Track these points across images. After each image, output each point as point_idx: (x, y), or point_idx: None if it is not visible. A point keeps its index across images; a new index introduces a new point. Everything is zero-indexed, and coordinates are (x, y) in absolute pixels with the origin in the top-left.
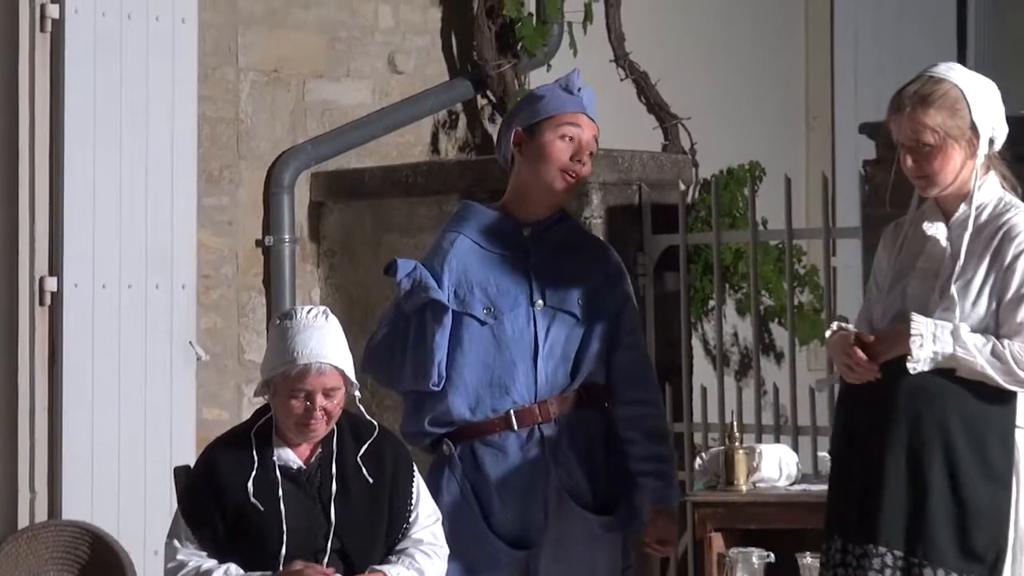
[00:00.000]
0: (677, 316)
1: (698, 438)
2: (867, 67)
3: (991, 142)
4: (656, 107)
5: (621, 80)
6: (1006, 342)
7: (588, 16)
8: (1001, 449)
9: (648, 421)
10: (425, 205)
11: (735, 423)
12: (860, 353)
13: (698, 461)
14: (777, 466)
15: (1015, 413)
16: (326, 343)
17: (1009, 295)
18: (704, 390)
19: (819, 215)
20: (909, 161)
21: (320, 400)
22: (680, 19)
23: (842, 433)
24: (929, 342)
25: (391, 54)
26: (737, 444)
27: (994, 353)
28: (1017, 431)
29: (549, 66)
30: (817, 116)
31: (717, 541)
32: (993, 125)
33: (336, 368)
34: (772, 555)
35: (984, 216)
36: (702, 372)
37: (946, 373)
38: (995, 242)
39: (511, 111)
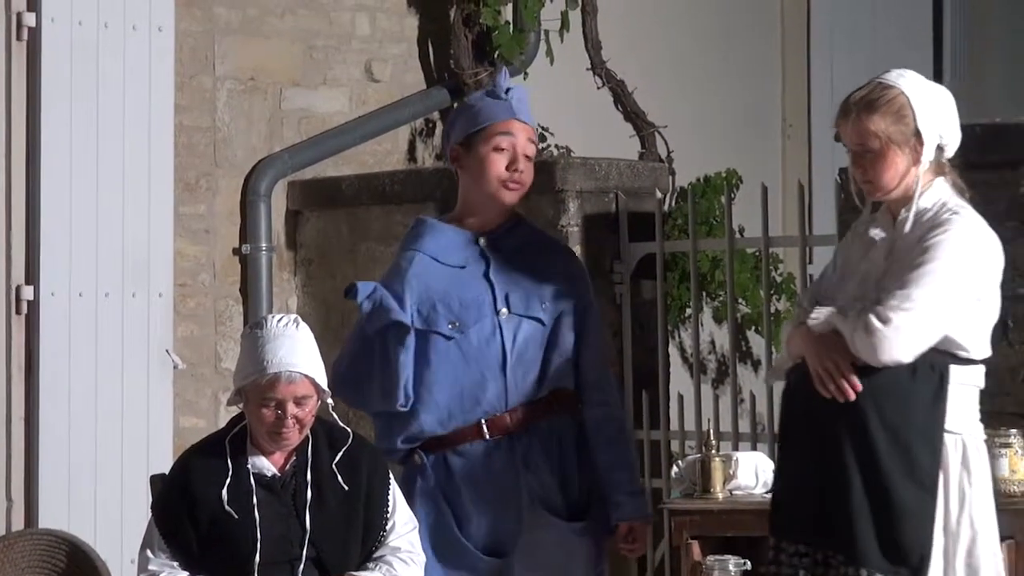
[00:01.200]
0: (654, 324)
1: (675, 446)
2: (843, 76)
3: (941, 149)
4: (633, 115)
5: (598, 88)
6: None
7: (565, 24)
8: (928, 453)
9: (611, 424)
10: (402, 213)
11: (712, 431)
12: (855, 381)
13: (674, 469)
14: (754, 474)
15: (943, 417)
16: (296, 351)
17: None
18: (681, 398)
19: (796, 223)
20: (855, 166)
21: (291, 408)
22: (657, 28)
23: (780, 431)
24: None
25: (368, 62)
26: (714, 452)
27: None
28: (947, 435)
29: (526, 74)
30: (793, 124)
31: (694, 549)
32: (941, 133)
33: (306, 376)
34: (749, 563)
35: (924, 220)
36: (679, 380)
37: (875, 375)
38: (924, 236)
39: (447, 124)
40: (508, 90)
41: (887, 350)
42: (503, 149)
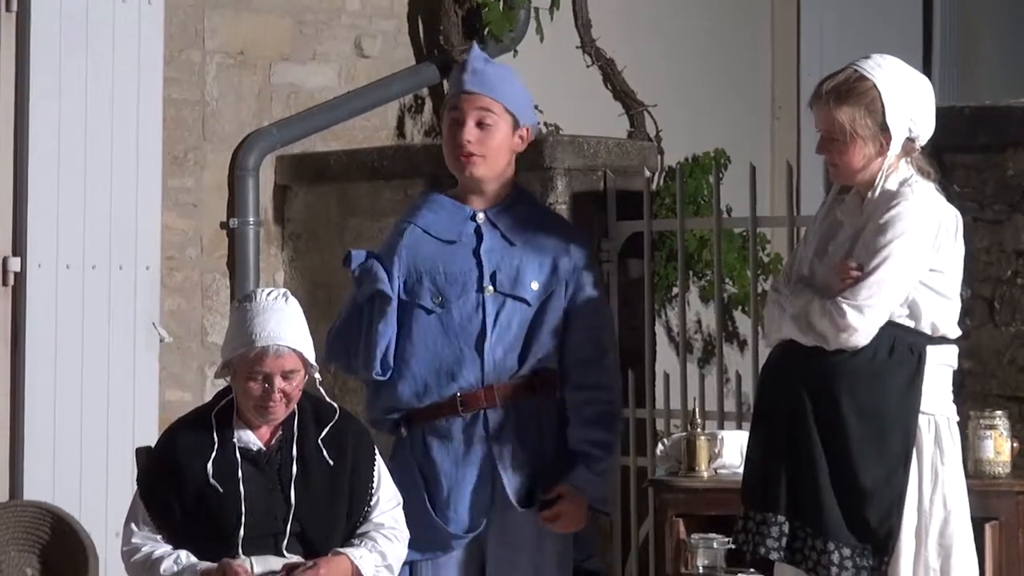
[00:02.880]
0: (641, 303)
1: (660, 424)
2: (832, 56)
3: (912, 139)
4: (622, 94)
5: (587, 66)
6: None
7: (555, 2)
8: (900, 434)
9: (592, 407)
10: (390, 189)
11: (697, 409)
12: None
13: (660, 447)
14: (739, 453)
15: (919, 399)
16: (285, 326)
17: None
18: (667, 376)
19: (783, 203)
20: (821, 149)
21: (278, 382)
22: (647, 6)
23: (756, 404)
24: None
25: (357, 38)
26: (699, 430)
27: (808, 312)
28: (921, 416)
29: (516, 52)
30: (782, 105)
31: (678, 527)
32: (911, 126)
33: (294, 351)
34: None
35: (886, 199)
36: (665, 359)
37: (851, 356)
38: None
39: None
40: (464, 63)
41: (849, 342)
42: (454, 122)
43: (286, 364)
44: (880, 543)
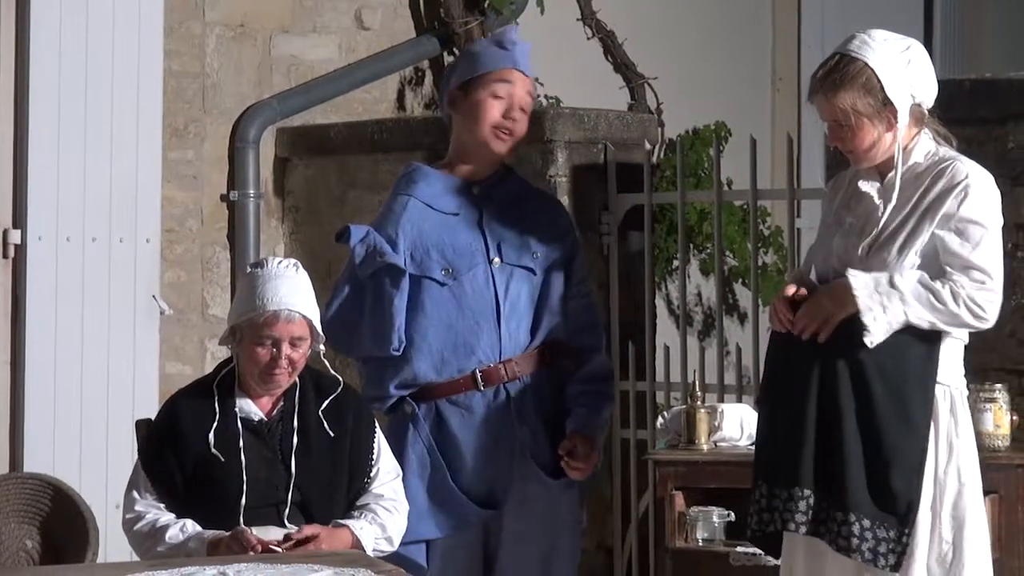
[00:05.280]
0: (641, 275)
1: (660, 397)
2: (833, 28)
3: (918, 104)
4: (623, 66)
5: (588, 39)
6: (950, 283)
7: None
8: (920, 401)
9: (588, 366)
10: (390, 162)
11: (697, 382)
12: (786, 311)
13: (660, 420)
14: (739, 425)
15: (936, 367)
16: (296, 292)
17: (960, 240)
18: (667, 349)
19: (784, 176)
20: (833, 138)
21: (286, 349)
22: None
23: (768, 380)
24: (881, 314)
25: (358, 10)
26: (699, 403)
27: (939, 299)
28: (937, 387)
29: (516, 24)
30: (783, 78)
31: (678, 500)
32: (913, 92)
33: (305, 317)
34: (732, 514)
35: (918, 173)
36: (665, 331)
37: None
38: (932, 194)
39: (448, 68)
40: (513, 40)
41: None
42: (500, 97)
43: (295, 330)
44: (902, 515)
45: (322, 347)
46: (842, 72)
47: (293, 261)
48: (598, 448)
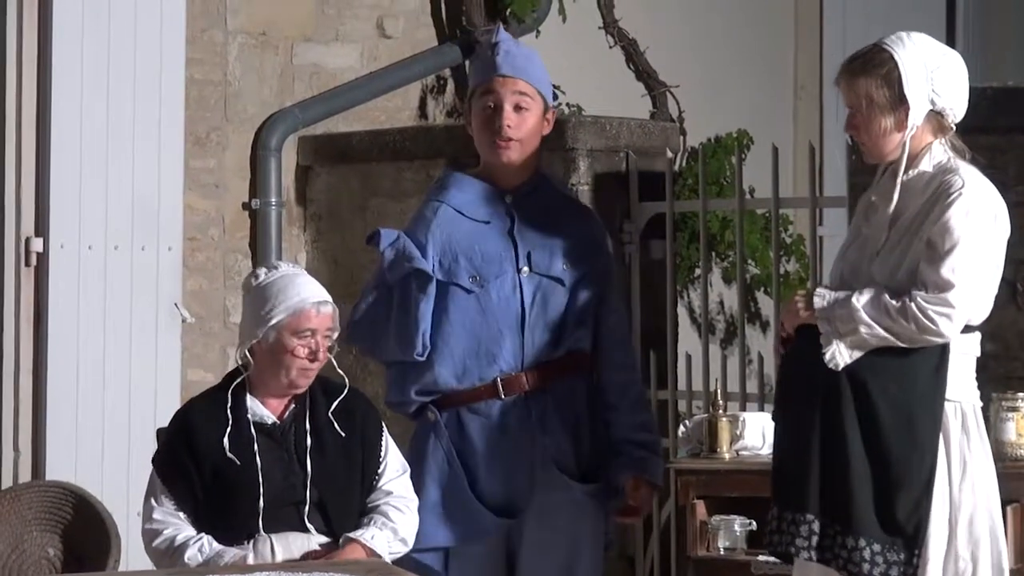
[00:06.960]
0: (663, 284)
1: (682, 405)
2: (856, 36)
3: (940, 114)
4: (645, 74)
5: (610, 47)
6: (906, 297)
7: None
8: (928, 422)
9: (634, 388)
10: (412, 170)
11: (719, 391)
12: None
13: (681, 428)
14: (760, 434)
15: (944, 385)
16: (317, 286)
17: (929, 251)
18: (689, 358)
19: (806, 184)
20: (847, 127)
21: (320, 340)
22: None
23: (779, 400)
24: (835, 331)
25: (380, 18)
26: (721, 412)
27: (890, 315)
28: (948, 403)
29: (538, 32)
30: (805, 86)
31: (700, 508)
32: (935, 99)
33: (335, 309)
34: (754, 523)
35: (922, 185)
36: (687, 340)
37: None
38: (928, 204)
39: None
40: (495, 45)
41: (941, 338)
42: (488, 107)
43: (329, 322)
44: (910, 537)
45: (335, 344)
46: (867, 59)
47: (291, 262)
48: (656, 491)
